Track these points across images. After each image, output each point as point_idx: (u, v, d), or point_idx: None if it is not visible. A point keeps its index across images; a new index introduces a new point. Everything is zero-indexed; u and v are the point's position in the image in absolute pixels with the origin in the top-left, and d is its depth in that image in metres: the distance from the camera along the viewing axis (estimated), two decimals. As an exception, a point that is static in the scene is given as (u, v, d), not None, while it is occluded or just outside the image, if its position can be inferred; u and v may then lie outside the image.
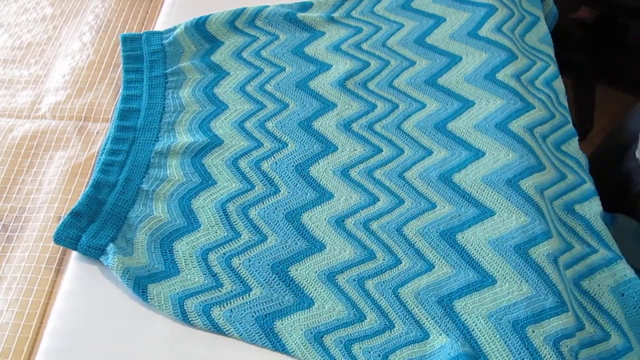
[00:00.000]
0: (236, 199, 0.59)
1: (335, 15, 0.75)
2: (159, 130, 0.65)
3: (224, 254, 0.56)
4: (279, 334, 0.52)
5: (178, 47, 0.72)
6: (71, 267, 0.58)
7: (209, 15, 0.74)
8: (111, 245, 0.56)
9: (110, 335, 0.53)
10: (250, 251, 0.56)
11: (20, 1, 0.86)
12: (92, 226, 0.58)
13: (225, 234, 0.57)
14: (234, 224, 0.58)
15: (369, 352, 0.51)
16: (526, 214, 0.55)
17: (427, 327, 0.52)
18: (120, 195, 0.60)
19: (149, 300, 0.53)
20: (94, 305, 0.55)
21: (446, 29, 0.71)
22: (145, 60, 0.71)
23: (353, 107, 0.66)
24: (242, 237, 0.57)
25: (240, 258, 0.56)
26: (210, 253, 0.56)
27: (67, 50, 0.79)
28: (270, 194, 0.60)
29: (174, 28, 0.74)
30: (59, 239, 0.57)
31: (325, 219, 0.58)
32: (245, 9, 0.75)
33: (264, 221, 0.58)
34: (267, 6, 0.75)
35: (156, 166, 0.62)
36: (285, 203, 0.59)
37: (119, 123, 0.66)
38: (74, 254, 0.58)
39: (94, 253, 0.56)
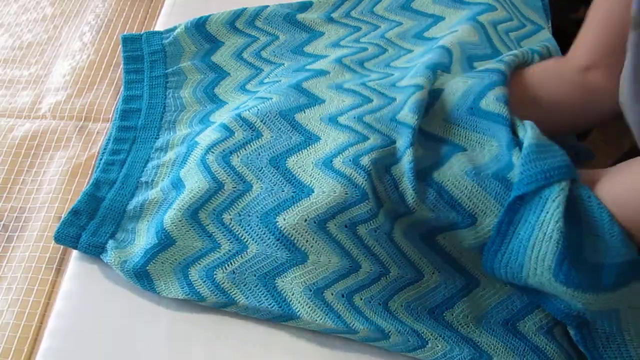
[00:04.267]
0: (215, 147, 0.57)
1: (335, 15, 0.75)
2: (159, 128, 0.65)
3: (213, 210, 0.55)
4: (282, 292, 0.51)
5: (178, 47, 0.72)
6: (71, 267, 0.58)
7: (209, 16, 0.74)
8: (110, 241, 0.56)
9: (110, 335, 0.53)
10: (238, 202, 0.54)
11: (20, 1, 0.86)
12: (91, 223, 0.58)
13: (208, 186, 0.55)
14: (215, 174, 0.55)
15: (370, 301, 0.51)
16: (493, 138, 0.53)
17: (422, 266, 0.52)
18: (119, 191, 0.60)
19: (154, 283, 0.53)
20: (94, 305, 0.55)
21: (444, 27, 0.71)
22: (145, 60, 0.71)
23: (346, 76, 0.65)
24: (225, 187, 0.55)
25: (230, 213, 0.55)
26: (200, 212, 0.55)
27: (67, 50, 0.79)
28: (252, 138, 0.56)
29: (174, 28, 0.74)
30: (59, 237, 0.57)
31: (312, 162, 0.54)
32: (245, 9, 0.75)
33: (247, 168, 0.55)
34: (267, 6, 0.75)
35: (155, 159, 0.63)
36: (269, 148, 0.56)
37: (120, 123, 0.66)
38: (74, 254, 0.58)
39: (94, 251, 0.56)
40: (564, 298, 0.48)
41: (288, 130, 0.57)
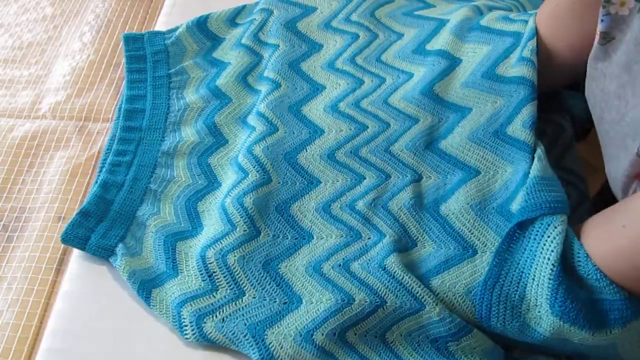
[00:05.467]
0: (232, 191, 0.58)
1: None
2: (164, 130, 0.65)
3: (220, 250, 0.54)
4: (270, 346, 0.49)
5: (181, 47, 0.72)
6: (71, 267, 0.58)
7: (210, 14, 0.74)
8: (120, 245, 0.56)
9: (110, 336, 0.53)
10: (245, 247, 0.55)
11: (20, 1, 0.86)
12: (100, 226, 0.58)
13: (222, 228, 0.56)
14: (231, 216, 0.56)
15: (365, 335, 0.50)
16: (511, 163, 0.54)
17: (423, 297, 0.49)
18: (128, 195, 0.60)
19: (151, 305, 0.53)
20: (94, 305, 0.55)
21: (435, 11, 0.71)
22: (148, 60, 0.71)
23: (341, 85, 0.65)
24: (237, 229, 0.55)
25: (235, 254, 0.54)
26: (208, 250, 0.55)
27: (67, 50, 0.79)
28: (263, 182, 0.58)
29: (176, 28, 0.74)
30: (67, 238, 0.56)
31: (313, 207, 0.57)
32: (245, 5, 0.75)
33: (259, 214, 0.56)
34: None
35: (163, 166, 0.62)
36: (276, 195, 0.58)
37: (124, 123, 0.66)
38: (74, 254, 0.58)
39: (103, 253, 0.56)
40: (560, 337, 0.47)
41: (292, 176, 0.59)
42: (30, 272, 0.58)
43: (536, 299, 0.46)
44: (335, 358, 0.49)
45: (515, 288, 0.47)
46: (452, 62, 0.62)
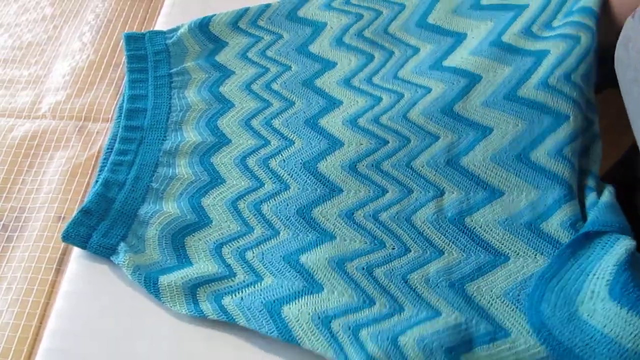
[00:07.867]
0: (247, 196, 0.60)
1: (346, 38, 0.72)
2: (166, 129, 0.66)
3: (237, 247, 0.56)
4: (285, 318, 0.51)
5: (182, 47, 0.72)
6: (71, 267, 0.57)
7: (213, 16, 0.74)
8: (122, 244, 0.56)
9: (110, 336, 0.53)
10: (264, 245, 0.56)
11: (20, 1, 0.86)
12: (102, 224, 0.58)
13: (239, 228, 0.58)
14: (246, 219, 0.58)
15: (377, 336, 0.50)
16: (537, 188, 0.54)
17: (439, 307, 0.51)
18: (129, 194, 0.60)
19: (160, 292, 0.53)
20: (94, 305, 0.55)
21: (465, 49, 0.67)
22: (149, 60, 0.71)
23: (359, 102, 0.65)
24: (255, 231, 0.57)
25: (254, 251, 0.56)
26: (224, 247, 0.56)
27: (67, 50, 0.79)
28: (280, 190, 0.60)
29: (178, 28, 0.74)
30: (68, 236, 0.56)
31: (336, 213, 0.58)
32: (248, 9, 0.75)
33: (277, 216, 0.58)
34: (269, 5, 0.75)
35: (165, 165, 0.63)
36: (296, 199, 0.59)
37: (126, 123, 0.66)
38: (74, 254, 0.58)
39: (104, 252, 0.56)
40: (611, 336, 0.45)
41: (313, 183, 0.60)
42: (30, 272, 0.58)
43: (593, 291, 0.46)
44: (342, 349, 0.49)
45: (573, 283, 0.48)
46: (472, 79, 0.61)
